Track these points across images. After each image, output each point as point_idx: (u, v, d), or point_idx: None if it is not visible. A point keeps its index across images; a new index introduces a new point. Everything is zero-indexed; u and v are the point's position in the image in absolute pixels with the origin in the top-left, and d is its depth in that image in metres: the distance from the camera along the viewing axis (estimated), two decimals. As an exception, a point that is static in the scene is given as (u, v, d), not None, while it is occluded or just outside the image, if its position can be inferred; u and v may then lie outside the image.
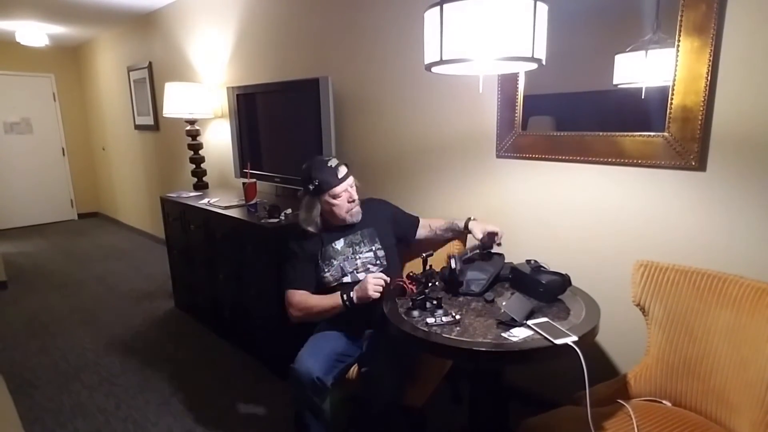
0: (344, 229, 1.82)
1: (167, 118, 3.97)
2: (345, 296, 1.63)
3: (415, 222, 1.98)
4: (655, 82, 1.56)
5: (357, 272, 1.79)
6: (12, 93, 6.01)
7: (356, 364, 1.72)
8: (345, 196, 1.76)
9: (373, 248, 1.83)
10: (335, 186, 1.73)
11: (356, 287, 1.63)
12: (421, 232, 1.97)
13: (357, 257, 1.80)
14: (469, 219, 1.88)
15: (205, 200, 2.97)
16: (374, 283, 1.60)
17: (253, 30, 3.23)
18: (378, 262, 1.82)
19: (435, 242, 1.97)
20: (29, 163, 6.23)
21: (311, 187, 1.73)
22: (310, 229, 1.76)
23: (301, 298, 1.71)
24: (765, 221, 1.43)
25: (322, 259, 1.79)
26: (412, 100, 2.32)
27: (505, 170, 2.03)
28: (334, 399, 1.68)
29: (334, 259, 1.78)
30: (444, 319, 1.38)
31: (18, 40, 4.95)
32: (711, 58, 1.43)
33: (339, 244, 1.80)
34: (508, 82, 1.92)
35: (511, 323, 1.34)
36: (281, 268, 1.82)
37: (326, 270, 1.78)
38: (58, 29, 5.11)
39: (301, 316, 1.71)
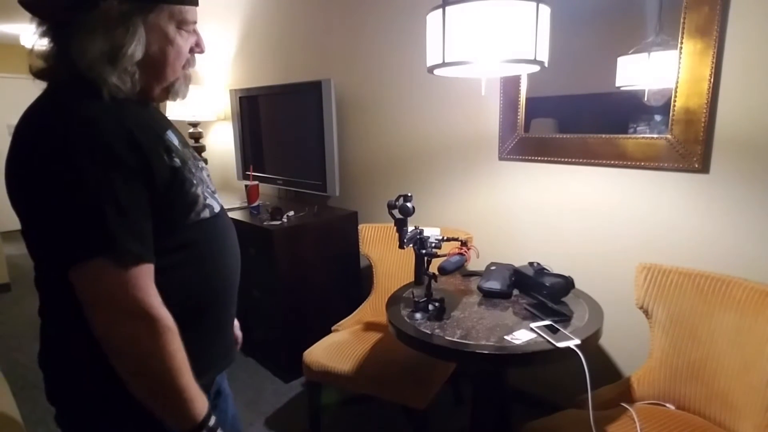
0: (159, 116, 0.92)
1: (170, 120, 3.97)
2: (208, 421, 0.77)
3: None
4: (658, 85, 1.56)
5: (214, 196, 0.96)
6: (16, 96, 6.03)
7: None
8: (192, 40, 0.87)
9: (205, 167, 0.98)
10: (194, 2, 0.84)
11: None
12: None
13: (203, 170, 0.95)
14: None
15: (208, 202, 2.97)
16: None
17: (256, 33, 3.24)
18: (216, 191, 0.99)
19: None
20: (33, 166, 6.26)
21: None
22: (122, 88, 0.80)
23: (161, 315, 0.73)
24: (769, 224, 1.43)
25: (179, 159, 0.84)
26: (415, 102, 2.32)
27: (507, 172, 2.02)
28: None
29: (188, 162, 0.88)
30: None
31: (23, 43, 4.99)
32: (714, 60, 1.43)
33: (173, 138, 0.88)
34: (510, 85, 1.92)
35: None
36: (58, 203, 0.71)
37: (195, 183, 0.86)
38: (62, 32, 5.14)
39: (136, 360, 0.72)
